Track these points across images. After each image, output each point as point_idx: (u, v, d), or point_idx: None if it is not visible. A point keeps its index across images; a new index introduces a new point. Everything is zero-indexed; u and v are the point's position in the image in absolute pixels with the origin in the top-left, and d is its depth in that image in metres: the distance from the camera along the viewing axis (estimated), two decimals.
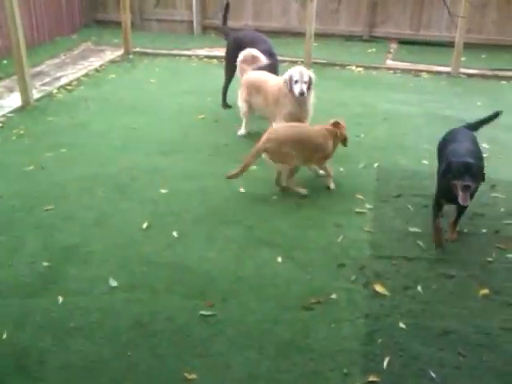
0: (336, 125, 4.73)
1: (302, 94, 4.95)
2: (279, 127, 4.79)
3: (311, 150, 4.58)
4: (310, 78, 5.04)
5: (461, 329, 3.09)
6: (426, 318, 3.17)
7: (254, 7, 9.96)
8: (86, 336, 3.00)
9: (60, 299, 3.29)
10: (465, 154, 3.81)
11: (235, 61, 5.75)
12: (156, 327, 3.07)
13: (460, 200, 3.60)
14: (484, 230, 4.13)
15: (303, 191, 4.58)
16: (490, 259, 3.76)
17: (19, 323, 3.09)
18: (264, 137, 4.52)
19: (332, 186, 4.69)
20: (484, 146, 5.02)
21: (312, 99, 5.20)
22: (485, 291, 3.40)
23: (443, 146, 4.25)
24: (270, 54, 5.92)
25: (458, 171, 3.58)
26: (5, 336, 2.99)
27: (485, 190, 4.65)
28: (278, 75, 5.77)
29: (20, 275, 3.51)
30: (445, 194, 3.82)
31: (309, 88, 5.03)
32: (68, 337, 3.00)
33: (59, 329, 3.06)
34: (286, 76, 5.07)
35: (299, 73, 4.97)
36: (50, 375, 2.74)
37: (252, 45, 5.92)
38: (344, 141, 4.77)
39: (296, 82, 4.96)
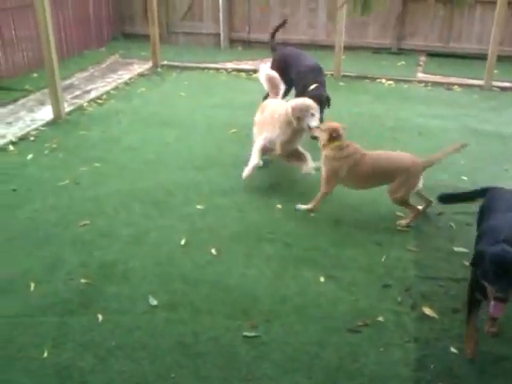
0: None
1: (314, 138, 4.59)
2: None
3: None
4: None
5: None
6: (481, 341, 3.04)
7: (281, 20, 9.92)
8: (128, 356, 2.94)
9: (100, 317, 3.23)
10: (509, 236, 2.72)
11: (280, 75, 5.50)
12: (199, 348, 2.99)
13: (490, 310, 2.67)
14: None
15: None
16: None
17: (59, 341, 3.04)
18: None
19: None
20: None
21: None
22: None
23: (482, 213, 3.34)
24: (316, 69, 5.88)
25: (491, 271, 2.54)
26: (45, 355, 2.94)
27: None
28: (325, 89, 5.70)
29: (58, 292, 3.47)
30: (479, 289, 2.81)
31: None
32: (110, 356, 2.94)
33: (100, 348, 3.00)
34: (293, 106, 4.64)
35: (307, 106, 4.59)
36: None
37: (297, 60, 5.99)
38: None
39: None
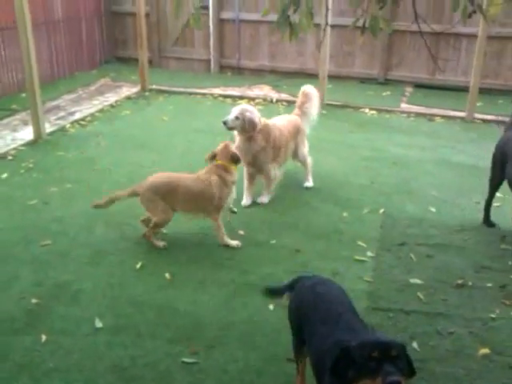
0: (222, 153, 4.30)
1: (224, 122, 4.88)
2: (159, 175, 4.38)
3: (192, 201, 4.24)
4: (248, 118, 4.84)
5: None
6: (419, 379, 3.00)
7: (270, 48, 10.09)
8: (63, 378, 2.93)
9: (43, 338, 3.23)
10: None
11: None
12: (135, 372, 2.97)
13: None
14: (489, 284, 3.96)
15: (234, 242, 4.29)
16: (493, 316, 3.58)
17: None
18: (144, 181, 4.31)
19: (232, 243, 4.29)
20: (498, 194, 4.86)
21: (261, 144, 4.98)
22: (485, 350, 3.23)
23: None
24: None
25: (367, 362, 1.95)
26: None
27: (493, 241, 4.52)
28: None
29: (8, 311, 3.47)
30: None
31: (253, 128, 4.88)
32: (45, 378, 2.93)
33: (38, 369, 2.99)
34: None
35: (234, 109, 4.94)
36: None
37: None
38: (234, 161, 4.31)
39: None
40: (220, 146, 4.38)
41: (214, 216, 4.29)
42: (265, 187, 5.21)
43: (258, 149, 4.99)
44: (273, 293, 3.13)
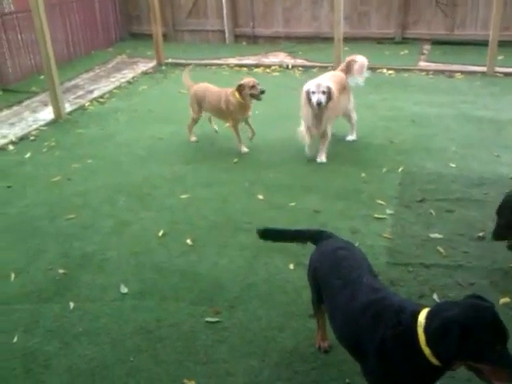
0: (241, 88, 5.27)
1: (319, 103, 4.93)
2: (200, 85, 5.78)
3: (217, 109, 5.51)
4: (330, 89, 4.99)
5: None
6: None
7: (284, 14, 9.96)
8: (91, 341, 3.04)
9: (71, 305, 3.34)
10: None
11: None
12: (161, 333, 3.07)
13: None
14: None
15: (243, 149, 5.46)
16: None
17: (30, 328, 3.16)
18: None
19: (244, 149, 5.44)
20: None
21: (332, 111, 5.17)
22: (506, 300, 3.22)
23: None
24: None
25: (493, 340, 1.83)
26: (15, 339, 3.07)
27: None
28: None
29: (36, 282, 3.60)
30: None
31: (330, 98, 4.99)
32: (75, 341, 3.04)
33: (67, 334, 3.10)
34: (304, 88, 5.09)
35: (316, 85, 4.99)
36: (53, 378, 2.78)
37: None
38: (254, 96, 5.26)
39: (313, 93, 4.96)
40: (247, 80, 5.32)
41: (231, 124, 5.54)
42: (323, 147, 5.28)
43: (329, 114, 5.12)
44: (274, 235, 2.96)
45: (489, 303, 1.94)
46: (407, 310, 2.06)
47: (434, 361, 1.92)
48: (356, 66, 5.63)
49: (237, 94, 5.27)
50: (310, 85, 5.04)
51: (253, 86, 5.21)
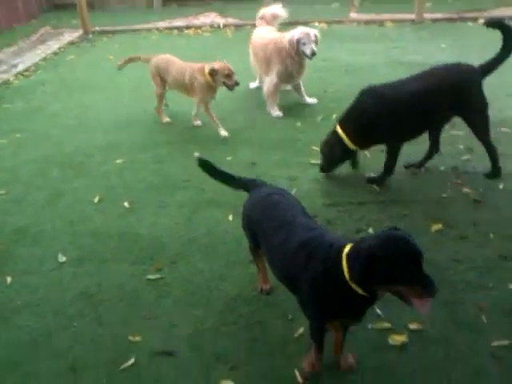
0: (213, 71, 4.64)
1: (314, 54, 4.97)
2: (161, 57, 5.17)
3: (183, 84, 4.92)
4: (316, 37, 5.05)
5: None
6: None
7: None
8: (32, 312, 2.95)
9: (8, 279, 3.22)
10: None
11: None
12: (103, 296, 3.01)
13: (419, 310, 1.94)
14: (442, 168, 4.08)
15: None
16: (445, 195, 3.71)
17: None
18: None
19: (223, 133, 4.79)
20: None
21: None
22: (438, 226, 3.35)
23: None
24: None
25: (405, 265, 1.89)
26: None
27: (446, 129, 4.58)
28: None
29: None
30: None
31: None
32: (15, 315, 2.94)
33: (6, 308, 2.99)
34: (290, 37, 5.02)
35: (305, 35, 4.97)
36: None
37: None
38: (226, 86, 4.66)
39: (304, 44, 4.94)
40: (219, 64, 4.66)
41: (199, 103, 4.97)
42: (304, 92, 5.50)
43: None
44: (214, 172, 2.97)
45: (401, 231, 2.03)
46: (335, 246, 2.14)
47: (359, 291, 2.02)
48: (268, 16, 5.69)
49: (207, 75, 4.70)
50: (298, 35, 4.97)
51: (228, 75, 4.60)
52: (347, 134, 3.80)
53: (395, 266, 1.88)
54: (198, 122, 5.11)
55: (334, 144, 3.85)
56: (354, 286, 2.02)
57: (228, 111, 5.35)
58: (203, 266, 3.19)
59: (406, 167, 4.08)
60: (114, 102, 5.84)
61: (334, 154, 3.89)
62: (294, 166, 4.23)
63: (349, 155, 3.94)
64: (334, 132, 3.89)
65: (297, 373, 2.41)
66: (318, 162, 4.23)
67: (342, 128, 3.84)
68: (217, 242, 3.40)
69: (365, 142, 3.86)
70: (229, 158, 4.41)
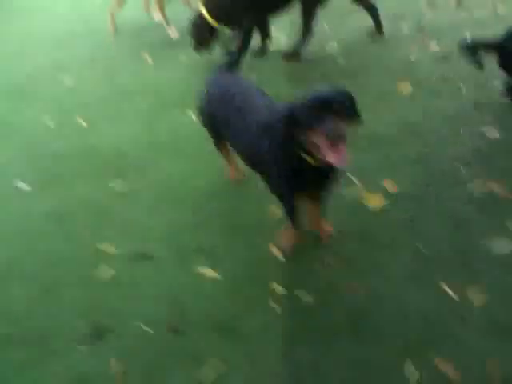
0: None
1: None
2: None
3: None
4: None
5: None
6: None
7: None
8: None
9: None
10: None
11: None
12: (71, 215, 2.86)
13: (332, 159, 1.81)
14: (406, 32, 3.87)
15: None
16: (412, 58, 3.52)
17: None
18: None
19: (174, 35, 4.68)
20: None
21: None
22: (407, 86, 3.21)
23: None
24: None
25: (313, 111, 1.84)
26: None
27: None
28: None
29: None
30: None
31: None
32: None
33: None
34: None
35: None
36: None
37: None
38: None
39: None
40: None
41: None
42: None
43: None
44: None
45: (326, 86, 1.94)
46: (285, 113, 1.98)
47: (311, 161, 1.93)
48: None
49: None
50: None
51: None
52: (208, 12, 3.95)
53: (306, 112, 1.84)
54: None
55: (200, 23, 4.01)
56: (308, 158, 1.93)
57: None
58: (171, 169, 3.04)
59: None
60: (56, 20, 5.42)
61: (199, 33, 4.05)
62: None
63: (212, 32, 4.06)
64: (199, 12, 4.04)
65: (274, 248, 2.34)
66: None
67: (204, 6, 3.98)
68: (182, 143, 3.24)
69: (225, 18, 3.98)
70: (183, 57, 4.16)
